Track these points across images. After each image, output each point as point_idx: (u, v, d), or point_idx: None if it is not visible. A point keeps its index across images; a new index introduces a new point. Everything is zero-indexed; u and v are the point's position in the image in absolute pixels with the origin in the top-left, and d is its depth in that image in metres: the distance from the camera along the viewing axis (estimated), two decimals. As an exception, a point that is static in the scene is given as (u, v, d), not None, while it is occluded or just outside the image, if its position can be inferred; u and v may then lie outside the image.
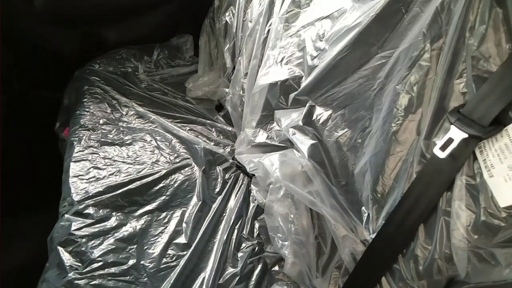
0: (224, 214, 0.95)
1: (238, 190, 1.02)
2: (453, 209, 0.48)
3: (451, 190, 0.50)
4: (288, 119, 0.83)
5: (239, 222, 0.94)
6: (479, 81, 0.49)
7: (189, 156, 1.06)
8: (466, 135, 0.47)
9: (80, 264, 0.78)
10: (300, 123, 0.77)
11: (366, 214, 0.63)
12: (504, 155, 0.44)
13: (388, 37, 0.63)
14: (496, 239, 0.46)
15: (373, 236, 0.61)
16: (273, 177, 0.73)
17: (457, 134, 0.49)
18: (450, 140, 0.49)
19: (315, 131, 0.75)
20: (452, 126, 0.49)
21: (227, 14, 1.24)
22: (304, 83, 0.80)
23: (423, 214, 0.52)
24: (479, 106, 0.48)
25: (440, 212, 0.50)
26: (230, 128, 1.22)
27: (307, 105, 0.79)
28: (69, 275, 0.76)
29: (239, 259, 0.87)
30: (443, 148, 0.50)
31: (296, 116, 0.82)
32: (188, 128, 1.17)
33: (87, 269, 0.78)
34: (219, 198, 0.98)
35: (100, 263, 0.79)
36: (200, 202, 0.95)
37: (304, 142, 0.74)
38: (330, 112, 0.74)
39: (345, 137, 0.70)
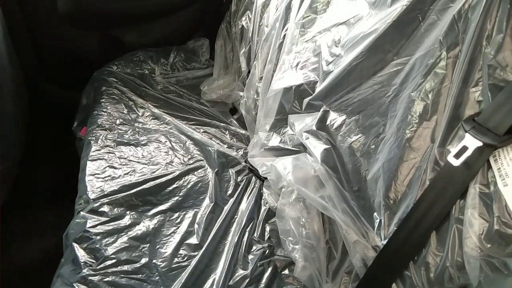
0: (236, 216, 0.96)
1: (250, 193, 1.02)
2: (466, 217, 0.48)
3: (464, 198, 0.49)
4: (302, 123, 0.84)
5: (250, 225, 0.94)
6: (495, 90, 0.49)
7: (203, 158, 1.08)
8: (480, 144, 0.47)
9: (94, 261, 0.80)
10: (314, 127, 0.77)
11: (378, 220, 0.63)
12: (519, 164, 0.44)
13: (404, 44, 0.64)
14: (510, 248, 0.45)
15: (384, 242, 0.61)
16: (286, 180, 0.73)
17: (471, 142, 0.49)
18: (464, 148, 0.49)
19: (328, 136, 0.76)
20: (467, 134, 0.49)
21: (243, 18, 1.26)
22: (319, 88, 0.81)
23: (436, 222, 0.52)
24: (494, 115, 0.48)
25: (453, 220, 0.50)
26: (243, 131, 1.23)
27: (321, 110, 0.79)
28: (83, 271, 0.77)
29: (249, 261, 0.87)
30: (457, 156, 0.50)
31: (310, 120, 0.83)
32: (202, 130, 1.19)
33: (101, 265, 0.79)
34: (231, 200, 0.99)
35: (114, 261, 0.81)
36: (212, 204, 0.96)
37: (317, 147, 0.74)
38: (344, 117, 0.75)
39: (358, 142, 0.71)
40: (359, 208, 0.67)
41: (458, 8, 0.54)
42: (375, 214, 0.64)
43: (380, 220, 0.63)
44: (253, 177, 1.07)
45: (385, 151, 0.64)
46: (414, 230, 0.55)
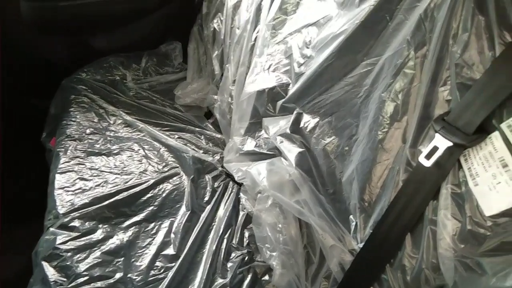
0: (213, 224, 0.94)
1: (228, 199, 1.00)
2: (439, 218, 0.48)
3: (437, 199, 0.49)
4: (276, 126, 0.83)
5: (229, 231, 0.93)
6: (463, 89, 0.49)
7: (178, 165, 1.05)
8: (450, 144, 0.47)
9: (65, 279, 0.77)
10: (288, 130, 0.76)
11: (354, 223, 0.62)
12: (489, 163, 0.44)
13: (373, 44, 0.63)
14: (482, 248, 0.45)
15: (360, 245, 0.60)
16: (261, 186, 0.72)
17: (442, 142, 0.48)
18: (435, 149, 0.49)
19: (302, 139, 0.75)
20: (437, 134, 0.49)
21: (215, 21, 1.24)
22: (291, 90, 0.80)
23: (410, 224, 0.52)
24: (463, 114, 0.47)
25: (427, 221, 0.50)
26: (219, 136, 1.20)
27: (295, 112, 0.78)
28: (54, 290, 0.74)
29: (228, 269, 0.86)
30: (428, 156, 0.49)
31: (284, 123, 0.81)
32: (176, 136, 1.16)
33: (72, 284, 0.76)
34: (208, 207, 0.97)
35: (86, 278, 0.78)
36: (188, 212, 0.94)
37: (291, 150, 0.73)
38: (317, 119, 0.74)
39: (332, 144, 0.70)
40: (335, 211, 0.66)
41: (424, 7, 0.53)
42: (351, 217, 0.63)
43: (356, 223, 0.62)
44: (230, 182, 1.05)
45: (359, 152, 0.63)
46: (389, 233, 0.54)
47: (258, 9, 0.97)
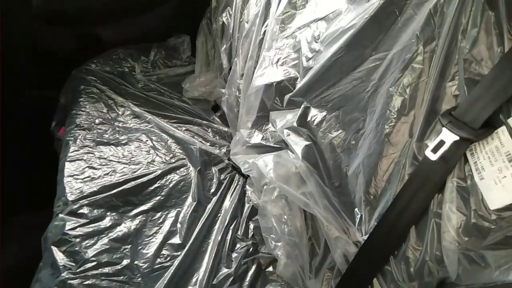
0: (219, 215, 0.95)
1: (234, 191, 1.02)
2: (444, 211, 0.49)
3: (442, 192, 0.50)
4: (283, 120, 0.83)
5: (234, 223, 0.94)
6: (471, 84, 0.49)
7: (185, 157, 1.06)
8: (457, 138, 0.48)
9: (73, 264, 0.78)
10: (295, 124, 0.77)
11: (359, 216, 0.63)
12: (495, 157, 0.44)
13: (382, 39, 0.64)
14: (486, 241, 0.46)
15: (365, 237, 0.61)
16: (267, 178, 0.73)
17: (448, 137, 0.49)
18: (441, 143, 0.49)
19: (309, 132, 0.75)
20: (444, 129, 0.50)
21: (224, 14, 1.24)
22: (299, 84, 0.80)
23: (415, 216, 0.52)
24: (470, 109, 0.48)
25: (431, 214, 0.51)
26: (226, 129, 1.22)
27: (302, 106, 0.79)
28: (62, 275, 0.76)
29: (233, 259, 0.87)
30: (434, 150, 0.50)
31: (291, 117, 0.82)
32: (184, 128, 1.17)
33: (81, 269, 0.78)
34: (214, 199, 0.98)
35: (94, 263, 0.79)
36: (195, 203, 0.95)
37: (298, 143, 0.74)
38: (324, 113, 0.75)
39: (339, 138, 0.70)
40: (340, 204, 0.67)
41: (434, 3, 0.54)
42: (356, 209, 0.64)
43: (361, 216, 0.63)
44: (236, 175, 1.06)
45: (365, 146, 0.64)
46: (394, 225, 0.55)
47: (268, 3, 0.98)
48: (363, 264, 0.61)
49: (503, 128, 0.44)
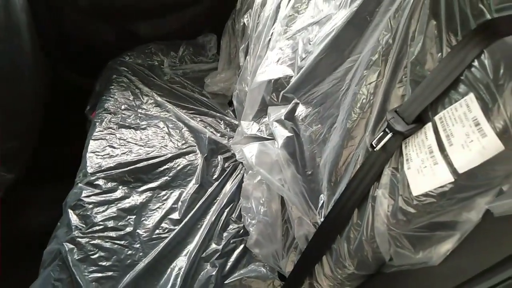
0: (218, 198, 1.04)
1: (235, 178, 1.10)
2: (378, 196, 0.54)
3: (379, 179, 0.55)
4: (276, 114, 0.91)
5: (230, 206, 1.02)
6: (414, 85, 0.54)
7: (195, 144, 1.17)
8: (394, 131, 0.53)
9: (84, 225, 0.91)
10: (282, 117, 0.84)
11: (322, 201, 0.70)
12: (420, 150, 0.50)
13: (357, 43, 0.70)
14: (412, 224, 0.51)
15: (322, 219, 0.67)
16: (249, 163, 0.81)
17: (389, 130, 0.54)
18: (384, 135, 0.55)
19: (294, 125, 0.82)
20: (387, 123, 0.55)
21: (245, 16, 1.33)
22: (291, 82, 0.88)
23: (358, 200, 0.58)
24: (409, 107, 0.53)
25: (370, 198, 0.56)
26: (237, 122, 1.30)
27: (292, 102, 0.86)
28: (73, 233, 0.89)
29: (223, 238, 0.96)
30: (378, 141, 0.56)
31: (284, 111, 0.89)
32: (199, 119, 1.28)
33: (89, 230, 0.90)
34: (216, 184, 1.07)
35: (101, 227, 0.91)
36: (197, 185, 1.05)
37: (282, 134, 0.81)
38: (310, 109, 0.81)
39: (317, 132, 0.77)
40: (309, 190, 0.73)
41: (393, 10, 0.59)
42: (321, 195, 0.71)
43: (323, 201, 0.69)
44: (240, 165, 1.15)
45: (334, 139, 0.70)
46: (343, 208, 0.61)
47: (278, 7, 1.06)
48: (317, 243, 0.67)
49: (429, 124, 0.49)
